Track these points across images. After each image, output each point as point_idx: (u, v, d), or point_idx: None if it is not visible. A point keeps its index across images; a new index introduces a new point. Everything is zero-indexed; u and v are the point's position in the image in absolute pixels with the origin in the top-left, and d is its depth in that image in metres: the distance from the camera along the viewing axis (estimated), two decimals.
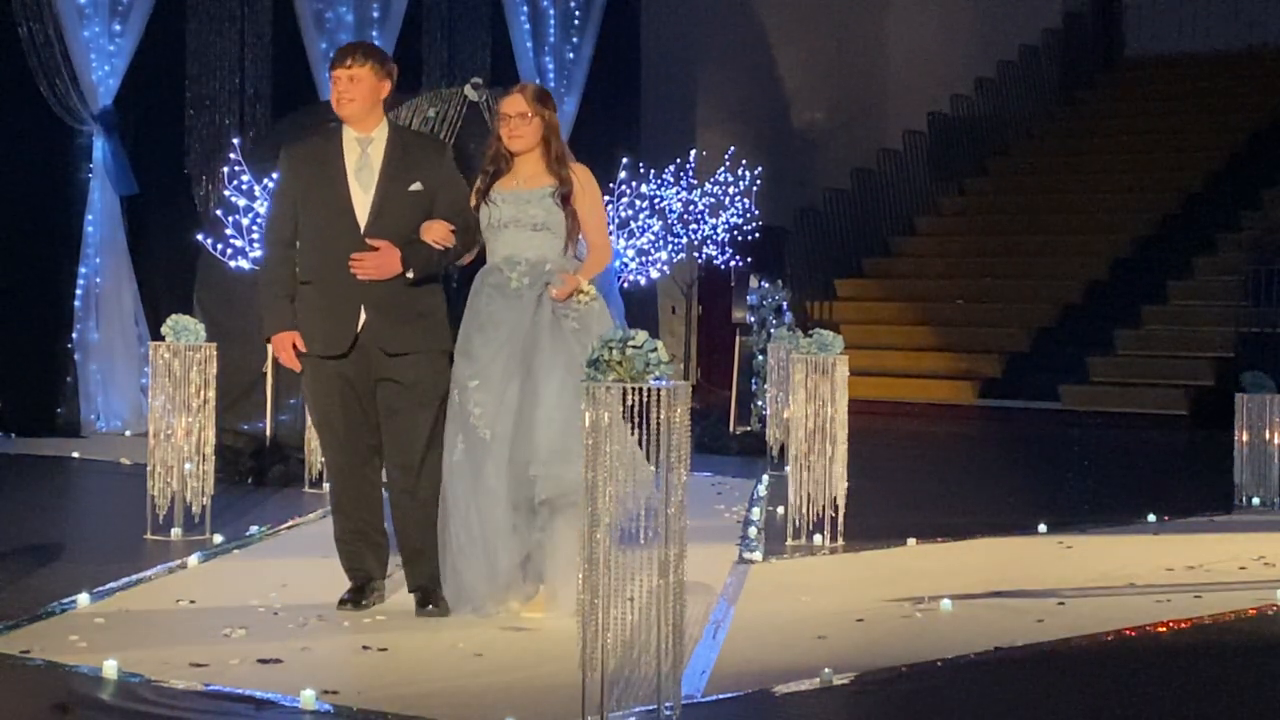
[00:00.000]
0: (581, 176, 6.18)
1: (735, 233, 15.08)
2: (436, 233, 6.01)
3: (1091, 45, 23.81)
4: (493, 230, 6.16)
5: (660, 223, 14.13)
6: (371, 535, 6.12)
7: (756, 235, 15.35)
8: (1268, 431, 9.90)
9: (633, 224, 13.74)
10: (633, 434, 4.45)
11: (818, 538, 8.01)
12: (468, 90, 11.99)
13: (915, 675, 5.26)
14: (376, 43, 15.44)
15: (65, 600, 6.09)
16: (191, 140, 14.43)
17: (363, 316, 5.92)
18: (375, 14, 15.48)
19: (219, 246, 10.73)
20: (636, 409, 4.45)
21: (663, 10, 19.89)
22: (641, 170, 14.19)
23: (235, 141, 11.01)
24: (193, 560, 7.12)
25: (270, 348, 6.15)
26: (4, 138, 13.09)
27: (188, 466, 7.89)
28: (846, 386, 8.11)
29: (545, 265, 6.06)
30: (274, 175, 10.58)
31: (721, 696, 4.89)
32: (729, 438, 13.12)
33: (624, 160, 13.94)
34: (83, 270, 13.40)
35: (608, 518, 4.43)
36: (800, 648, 5.63)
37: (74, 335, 13.34)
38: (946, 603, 6.40)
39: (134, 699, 4.75)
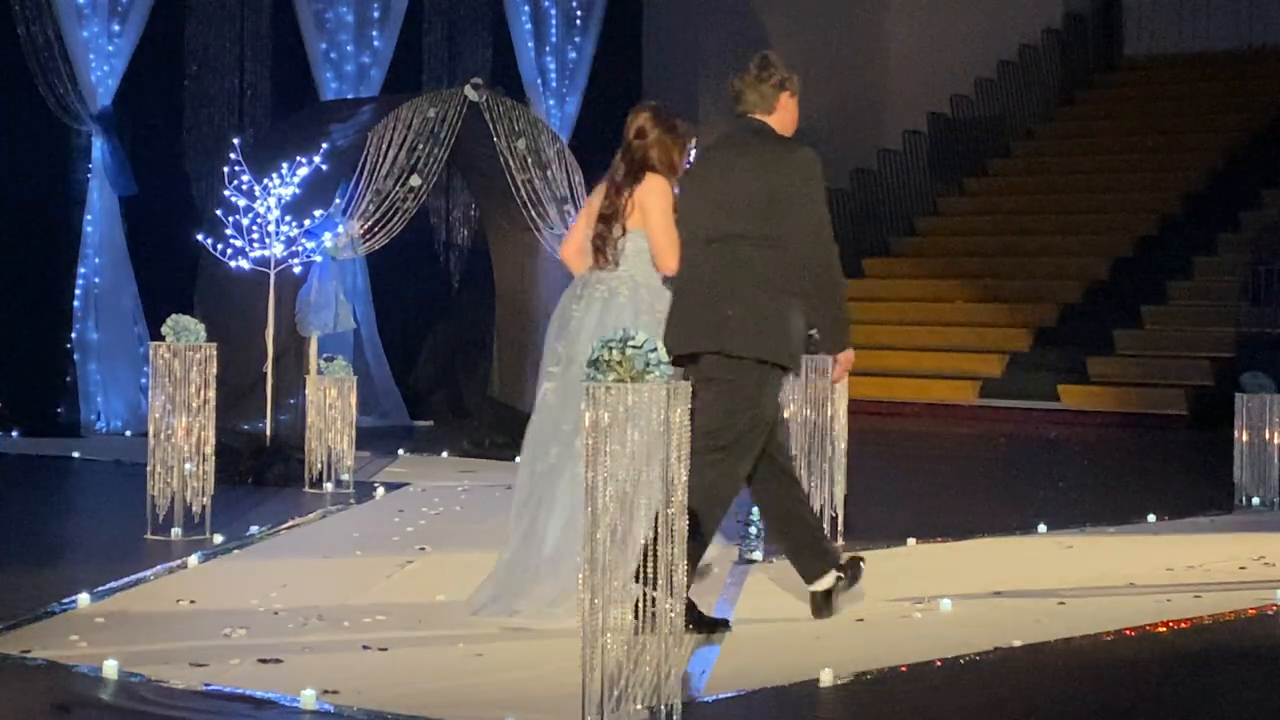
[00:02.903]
0: None
1: None
2: None
3: (1091, 45, 23.82)
4: None
5: None
6: None
7: None
8: (1268, 431, 9.89)
9: None
10: (633, 433, 4.45)
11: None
12: (468, 90, 11.99)
13: (915, 675, 5.26)
14: (376, 43, 15.46)
15: (65, 600, 6.08)
16: (190, 140, 14.44)
17: None
18: (375, 14, 15.48)
19: (219, 246, 10.72)
20: (636, 409, 4.45)
21: (664, 10, 19.90)
22: None
23: (235, 141, 11.00)
24: (193, 560, 7.11)
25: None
26: (3, 138, 13.10)
27: (188, 466, 7.89)
28: (846, 386, 8.11)
29: None
30: (277, 175, 10.61)
31: (721, 696, 4.89)
32: None
33: None
34: (82, 270, 13.41)
35: (608, 517, 4.43)
36: (800, 648, 5.63)
37: (73, 335, 13.34)
38: (946, 603, 6.40)
39: (134, 699, 4.75)
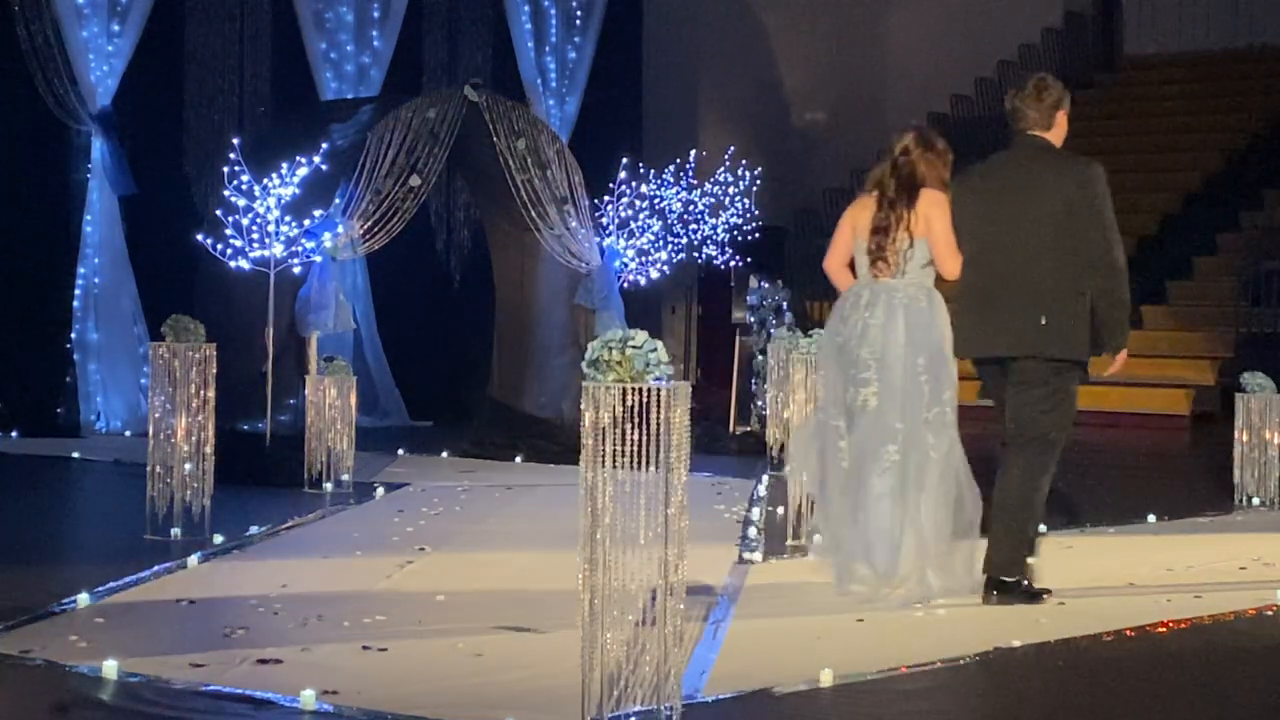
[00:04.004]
0: None
1: (735, 233, 15.06)
2: None
3: (1091, 45, 23.80)
4: None
5: (660, 223, 14.12)
6: None
7: (756, 235, 15.34)
8: (1268, 431, 9.90)
9: (633, 224, 13.73)
10: (633, 433, 4.45)
11: (818, 538, 8.00)
12: (468, 91, 11.99)
13: (915, 675, 5.26)
14: (376, 43, 15.46)
15: (65, 600, 6.08)
16: (190, 140, 14.44)
17: None
18: (375, 14, 15.48)
19: (219, 246, 10.72)
20: (636, 409, 4.45)
21: (664, 10, 19.89)
22: (641, 170, 14.18)
23: (235, 141, 10.99)
24: (193, 560, 7.11)
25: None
26: (3, 138, 13.10)
27: (188, 466, 7.89)
28: None
29: None
30: (277, 175, 10.61)
31: (721, 696, 4.89)
32: (729, 438, 13.12)
33: (624, 160, 13.94)
34: (82, 270, 13.41)
35: (608, 518, 4.43)
36: (800, 648, 5.63)
37: (73, 335, 13.34)
38: (946, 602, 6.39)
39: (134, 699, 4.75)
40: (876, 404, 6.66)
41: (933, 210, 6.63)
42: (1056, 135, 6.66)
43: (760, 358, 13.08)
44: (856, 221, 6.77)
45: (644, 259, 13.84)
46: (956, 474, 6.66)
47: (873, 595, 6.50)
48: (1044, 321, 6.38)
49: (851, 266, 6.85)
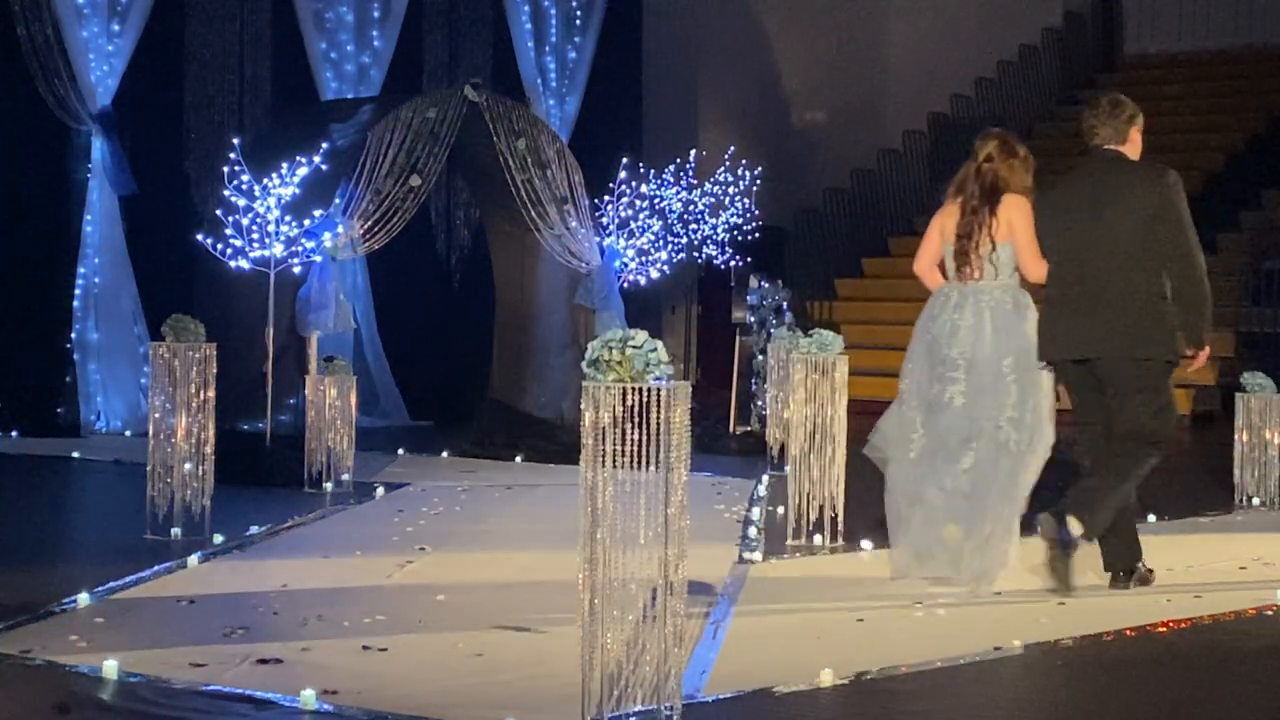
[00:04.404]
0: None
1: (735, 233, 15.07)
2: None
3: (1091, 45, 23.80)
4: None
5: (660, 223, 14.12)
6: None
7: (756, 235, 15.33)
8: (1268, 431, 9.90)
9: (633, 224, 13.73)
10: (633, 433, 4.45)
11: (818, 538, 8.01)
12: (467, 91, 12.00)
13: (915, 675, 5.26)
14: (376, 43, 15.46)
15: (65, 600, 6.08)
16: (190, 140, 14.43)
17: None
18: (375, 14, 15.48)
19: (219, 246, 10.72)
20: (636, 409, 4.45)
21: (663, 10, 19.88)
22: (641, 170, 14.18)
23: (235, 141, 11.00)
24: (193, 560, 7.11)
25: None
26: (3, 138, 13.09)
27: (188, 466, 7.89)
28: (846, 386, 8.11)
29: None
30: (277, 175, 10.61)
31: (721, 696, 4.89)
32: (729, 438, 13.11)
33: (624, 160, 13.94)
34: (82, 270, 13.40)
35: (608, 518, 4.43)
36: (800, 648, 5.63)
37: (73, 335, 13.34)
38: (946, 602, 6.39)
39: (134, 699, 4.75)
40: (963, 402, 6.95)
41: (1014, 215, 6.93)
42: (1131, 150, 6.99)
43: (760, 358, 13.08)
44: (944, 227, 7.13)
45: (644, 259, 13.84)
46: (1030, 476, 6.97)
47: (932, 582, 6.79)
48: (1130, 324, 6.70)
49: (942, 269, 7.17)
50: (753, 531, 8.34)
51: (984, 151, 7.06)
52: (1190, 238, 6.75)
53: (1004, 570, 6.83)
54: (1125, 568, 6.89)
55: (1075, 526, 6.60)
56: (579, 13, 17.22)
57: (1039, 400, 7.01)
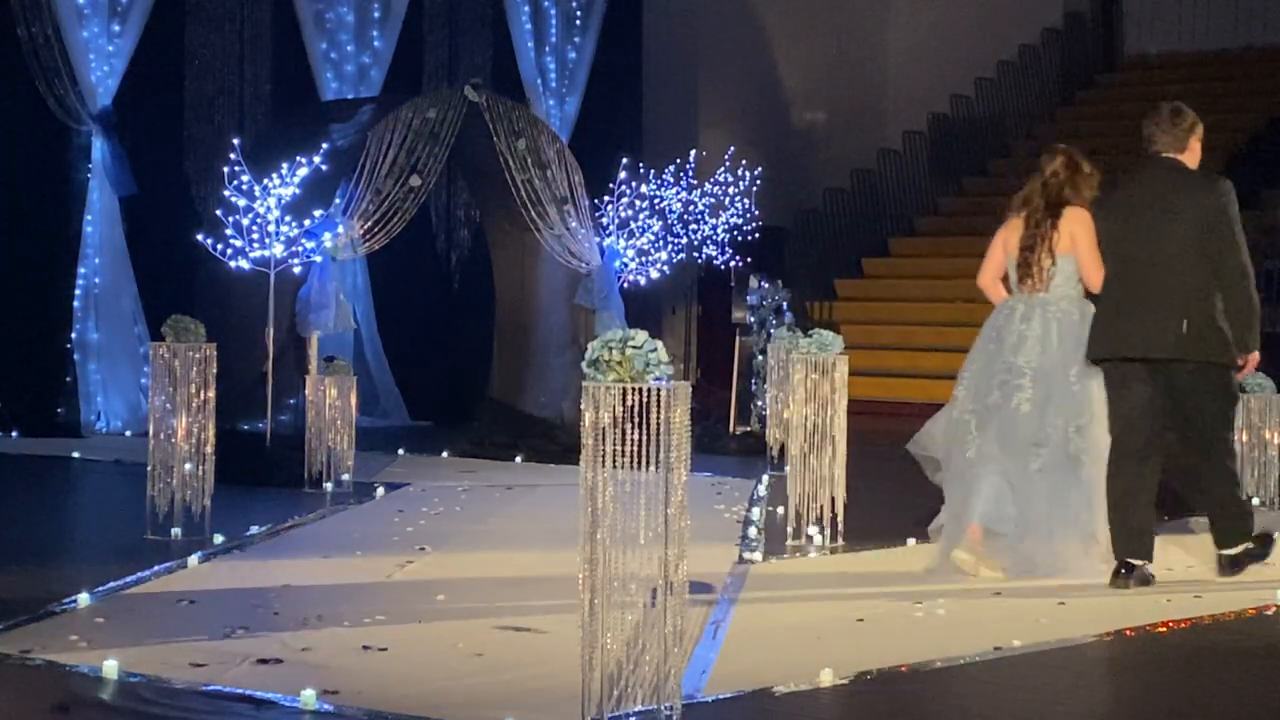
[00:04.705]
0: None
1: (735, 233, 15.06)
2: None
3: (1091, 45, 23.80)
4: None
5: (660, 223, 14.11)
6: None
7: (756, 235, 15.32)
8: (1268, 431, 9.90)
9: (633, 224, 13.73)
10: (633, 433, 4.45)
11: (818, 538, 8.01)
12: (467, 91, 12.00)
13: (915, 675, 5.26)
14: (376, 43, 15.46)
15: (65, 600, 6.08)
16: (190, 140, 14.43)
17: None
18: (375, 14, 15.48)
19: (219, 246, 10.72)
20: (636, 409, 4.45)
21: (663, 10, 19.87)
22: (641, 170, 14.18)
23: (235, 142, 10.99)
24: (193, 560, 7.12)
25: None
26: (3, 138, 13.09)
27: (188, 466, 7.89)
28: (846, 386, 8.11)
29: None
30: (277, 175, 10.61)
31: (721, 696, 4.89)
32: (729, 438, 13.11)
33: (624, 160, 13.94)
34: (82, 270, 13.40)
35: (608, 518, 4.43)
36: (800, 648, 5.63)
37: (73, 335, 13.34)
38: (946, 602, 6.40)
39: (134, 699, 4.75)
40: (1029, 409, 7.17)
41: (1077, 227, 7.16)
42: (1190, 159, 7.14)
43: (760, 358, 13.08)
44: (1007, 241, 7.38)
45: (644, 259, 13.84)
46: (1093, 480, 7.11)
47: (970, 574, 7.05)
48: (1185, 328, 6.87)
49: (1006, 283, 7.37)
50: (753, 531, 8.34)
51: (1050, 167, 7.28)
52: (1241, 242, 6.96)
53: (1078, 571, 7.07)
54: (1232, 555, 7.14)
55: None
56: (579, 13, 17.22)
57: (1098, 410, 7.17)
